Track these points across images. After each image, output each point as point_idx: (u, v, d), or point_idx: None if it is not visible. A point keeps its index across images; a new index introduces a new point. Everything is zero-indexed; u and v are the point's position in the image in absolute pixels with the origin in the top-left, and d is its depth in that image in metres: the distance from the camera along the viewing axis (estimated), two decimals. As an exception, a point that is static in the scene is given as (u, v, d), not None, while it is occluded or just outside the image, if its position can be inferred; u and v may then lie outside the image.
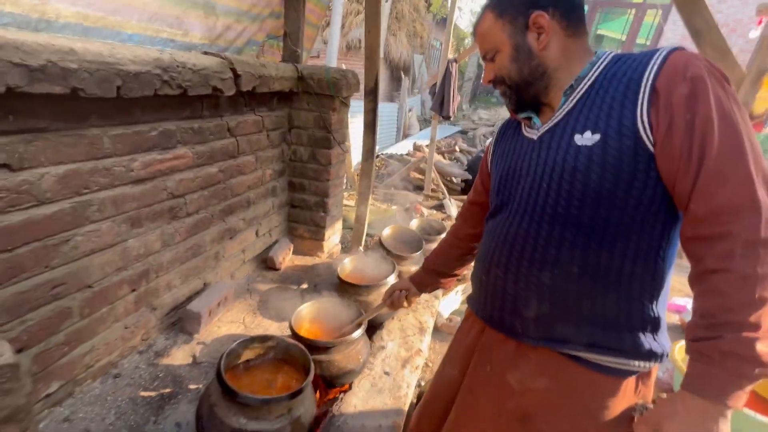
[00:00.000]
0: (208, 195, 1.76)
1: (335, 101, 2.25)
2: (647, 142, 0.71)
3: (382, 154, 6.67)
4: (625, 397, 0.81)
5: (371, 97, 2.64)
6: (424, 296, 2.31)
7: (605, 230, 0.76)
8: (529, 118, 0.91)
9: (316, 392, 1.54)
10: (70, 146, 1.13)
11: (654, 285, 0.78)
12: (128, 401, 1.33)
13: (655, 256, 0.77)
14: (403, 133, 9.26)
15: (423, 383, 2.08)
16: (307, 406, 1.24)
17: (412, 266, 2.30)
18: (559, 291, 0.81)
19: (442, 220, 4.62)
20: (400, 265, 2.24)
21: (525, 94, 0.87)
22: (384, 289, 1.95)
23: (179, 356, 1.56)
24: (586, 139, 0.76)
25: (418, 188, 5.63)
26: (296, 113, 2.29)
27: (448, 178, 6.04)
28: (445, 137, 9.53)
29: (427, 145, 5.88)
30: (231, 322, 1.81)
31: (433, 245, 2.94)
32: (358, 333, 1.55)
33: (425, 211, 4.49)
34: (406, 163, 6.03)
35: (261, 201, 2.20)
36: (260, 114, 2.01)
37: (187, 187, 1.61)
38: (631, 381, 0.81)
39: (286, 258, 2.40)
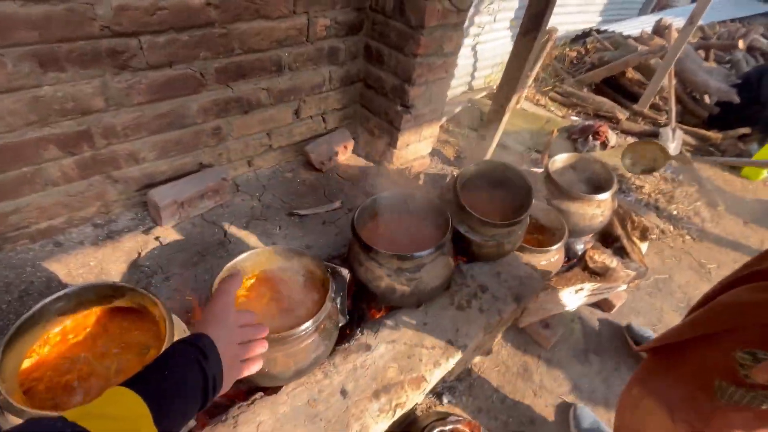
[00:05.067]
0: (190, 41, 1.24)
1: None
2: None
3: (595, 32, 4.57)
4: None
5: None
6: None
7: None
8: None
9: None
10: None
11: None
12: (44, 281, 1.21)
13: None
14: (660, 1, 6.24)
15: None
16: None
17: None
18: None
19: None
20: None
21: None
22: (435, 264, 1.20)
23: (126, 247, 1.34)
24: None
25: (631, 97, 3.85)
26: None
27: (694, 92, 3.91)
28: (734, 19, 6.10)
29: (678, 29, 3.72)
30: (213, 223, 1.48)
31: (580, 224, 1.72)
32: (308, 325, 1.00)
33: (612, 138, 3.04)
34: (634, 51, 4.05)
35: (307, 67, 1.57)
36: None
37: (137, 20, 1.12)
38: None
39: (338, 157, 1.84)
